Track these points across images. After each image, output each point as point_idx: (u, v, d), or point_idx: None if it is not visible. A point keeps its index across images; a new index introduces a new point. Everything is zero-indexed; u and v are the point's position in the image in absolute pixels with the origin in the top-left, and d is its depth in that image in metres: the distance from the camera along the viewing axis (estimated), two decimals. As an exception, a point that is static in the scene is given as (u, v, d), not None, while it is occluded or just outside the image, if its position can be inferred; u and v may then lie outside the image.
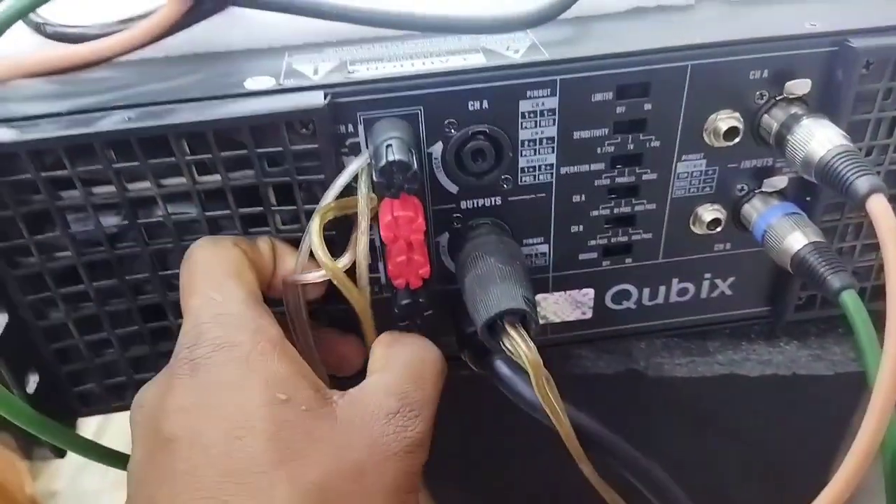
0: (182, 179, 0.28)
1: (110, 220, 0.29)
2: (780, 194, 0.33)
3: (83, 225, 0.28)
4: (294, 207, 0.29)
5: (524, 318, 0.28)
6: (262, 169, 0.28)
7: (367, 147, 0.28)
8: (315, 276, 0.28)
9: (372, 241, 0.31)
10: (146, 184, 0.28)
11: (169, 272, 0.30)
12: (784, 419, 0.42)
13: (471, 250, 0.30)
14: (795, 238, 0.30)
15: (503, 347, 0.28)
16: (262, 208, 0.29)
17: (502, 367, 0.30)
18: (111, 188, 0.27)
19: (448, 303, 0.33)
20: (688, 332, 0.38)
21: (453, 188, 0.30)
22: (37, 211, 0.28)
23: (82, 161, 0.27)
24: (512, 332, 0.27)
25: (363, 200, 0.27)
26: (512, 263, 0.29)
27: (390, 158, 0.25)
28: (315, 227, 0.27)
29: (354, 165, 0.27)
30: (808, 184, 0.33)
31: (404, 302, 0.29)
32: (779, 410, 0.42)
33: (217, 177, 0.28)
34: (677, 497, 0.31)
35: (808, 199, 0.33)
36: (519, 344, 0.27)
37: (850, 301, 0.28)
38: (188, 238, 0.29)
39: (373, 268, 0.32)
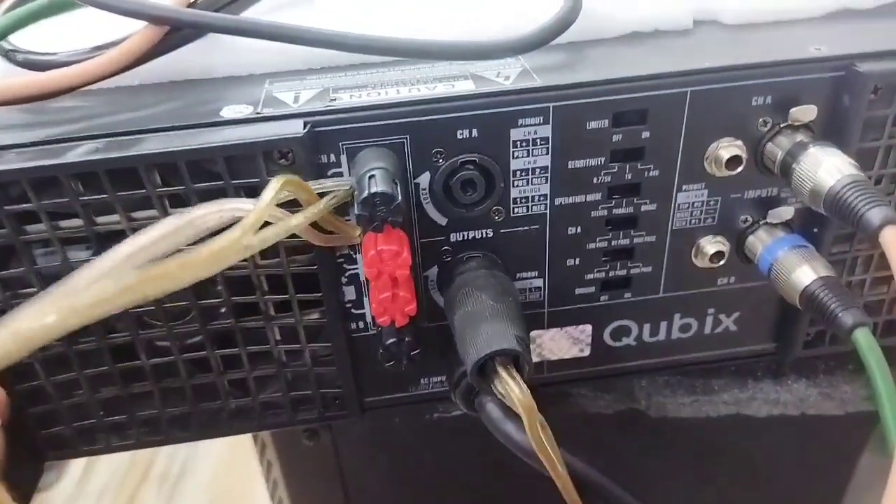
0: (154, 212, 0.26)
1: (79, 255, 0.27)
2: (786, 226, 0.31)
3: (50, 260, 0.27)
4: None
5: (517, 360, 0.26)
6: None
7: (350, 177, 0.26)
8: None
9: (356, 277, 0.30)
10: (116, 217, 0.26)
11: (140, 309, 0.28)
12: (792, 458, 0.40)
13: (460, 285, 0.28)
14: (804, 272, 0.29)
15: (494, 391, 0.26)
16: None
17: (493, 410, 0.28)
18: (79, 221, 0.26)
19: (438, 340, 0.32)
20: (691, 369, 0.36)
21: (442, 220, 0.29)
22: (1, 245, 0.26)
23: (49, 194, 0.25)
24: (504, 375, 0.26)
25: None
26: (504, 300, 0.27)
27: (373, 190, 0.24)
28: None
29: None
30: (816, 214, 0.31)
31: (389, 341, 0.28)
32: (787, 449, 0.40)
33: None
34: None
35: (815, 230, 0.31)
36: (511, 387, 0.25)
37: (864, 340, 0.26)
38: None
39: (357, 304, 0.30)
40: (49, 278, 0.27)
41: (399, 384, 0.33)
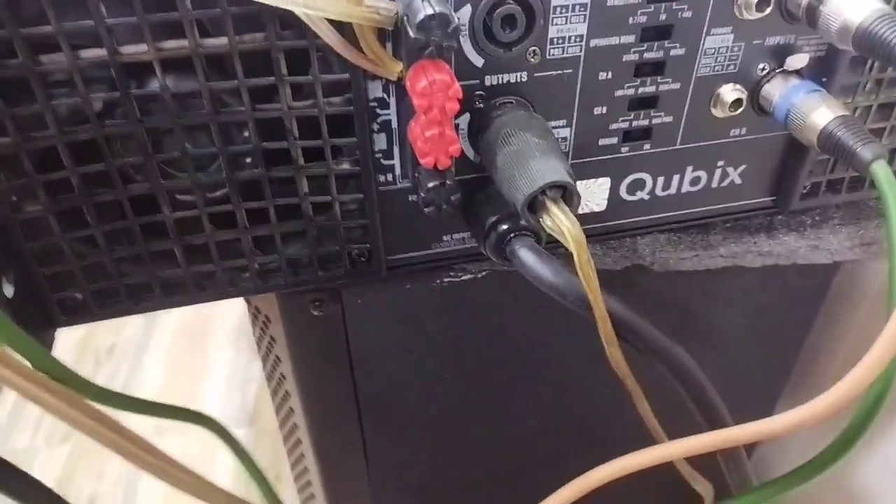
0: (183, 42, 0.24)
1: (98, 95, 0.25)
2: (798, 74, 0.32)
3: (66, 98, 0.25)
4: (310, 78, 0.26)
5: (565, 193, 0.26)
6: (276, 31, 0.25)
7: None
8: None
9: (388, 124, 0.29)
10: (142, 47, 0.24)
11: (164, 156, 0.27)
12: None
13: (500, 127, 0.28)
14: (822, 113, 0.30)
15: (544, 224, 0.26)
16: (273, 78, 0.26)
17: (528, 255, 0.29)
18: (101, 51, 0.24)
19: (463, 193, 0.31)
20: (695, 224, 0.37)
21: (479, 61, 0.28)
22: (11, 78, 0.24)
23: (69, 15, 0.23)
24: (553, 208, 0.26)
25: None
26: (548, 138, 0.27)
27: (429, 11, 0.23)
28: None
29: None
30: (826, 64, 0.32)
31: (431, 184, 0.27)
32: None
33: (224, 39, 0.25)
34: (703, 387, 0.31)
35: (823, 79, 0.32)
36: (562, 220, 0.26)
37: (882, 172, 0.27)
38: (187, 116, 0.26)
39: (387, 155, 0.30)
40: (65, 119, 0.25)
41: (421, 241, 0.33)
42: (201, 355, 1.07)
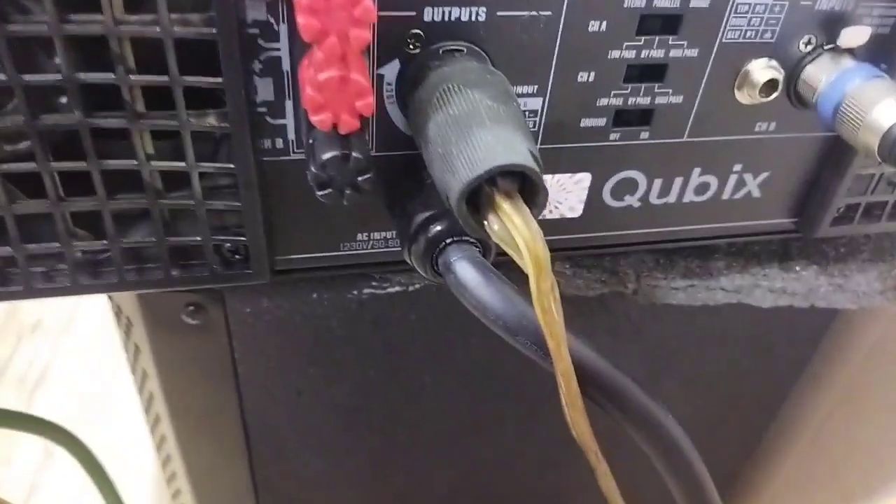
0: None
1: None
2: (851, 55, 0.24)
3: None
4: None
5: (525, 185, 0.17)
6: None
7: None
8: None
9: (277, 64, 0.20)
10: None
11: (-83, 79, 0.17)
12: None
13: (438, 82, 0.19)
14: (889, 108, 0.22)
15: (489, 230, 0.17)
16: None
17: (467, 271, 0.20)
18: None
19: (387, 176, 0.23)
20: (693, 245, 0.29)
21: (415, -18, 0.19)
22: None
23: None
24: (505, 207, 0.17)
25: None
26: (508, 102, 0.18)
27: None
28: None
29: None
30: (888, 45, 0.24)
31: (327, 155, 0.18)
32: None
33: None
34: (692, 466, 0.22)
35: (883, 65, 0.24)
36: (517, 226, 0.17)
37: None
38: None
39: (276, 111, 0.21)
40: None
41: (326, 239, 0.24)
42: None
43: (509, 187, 0.17)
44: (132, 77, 0.18)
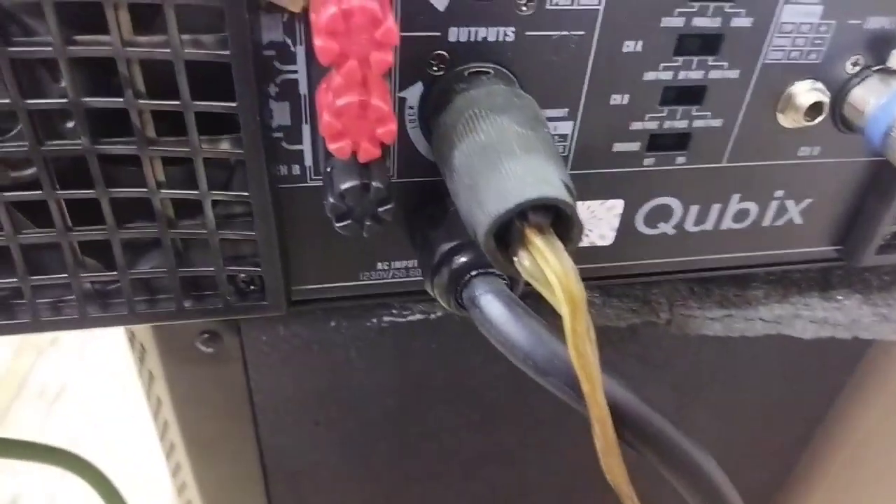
0: None
1: None
2: (901, 77, 0.22)
3: None
4: (156, -5, 0.16)
5: (558, 219, 0.16)
6: None
7: None
8: None
9: (294, 87, 0.19)
10: None
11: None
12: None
13: (465, 107, 0.18)
14: (946, 134, 0.20)
15: (519, 267, 0.16)
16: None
17: (494, 306, 0.19)
18: None
19: (408, 203, 0.22)
20: (730, 274, 0.27)
21: (440, 2, 0.18)
22: None
23: None
24: (538, 242, 0.16)
25: None
26: (538, 128, 0.17)
27: None
28: None
29: None
30: (943, 65, 0.22)
31: (346, 185, 0.17)
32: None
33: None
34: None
35: (937, 88, 0.22)
36: (549, 261, 0.16)
37: None
38: None
39: (292, 136, 0.20)
40: None
41: (345, 269, 0.23)
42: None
43: (541, 221, 0.16)
44: (141, 101, 0.17)
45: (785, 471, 0.45)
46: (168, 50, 0.17)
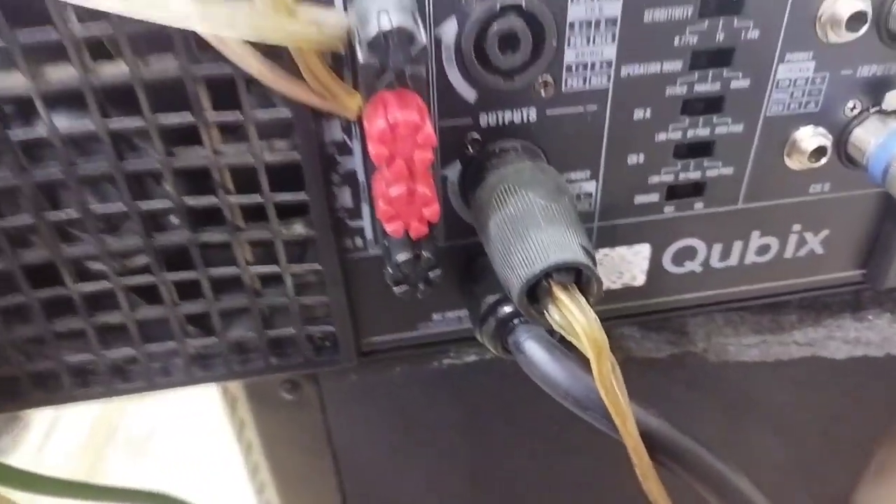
0: (70, 69, 0.18)
1: (-35, 136, 0.19)
2: (900, 116, 0.24)
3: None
4: (239, 116, 0.20)
5: (580, 278, 0.19)
6: (188, 54, 0.18)
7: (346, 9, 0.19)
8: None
9: (353, 176, 0.22)
10: (16, 77, 0.18)
11: (64, 216, 0.21)
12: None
13: (495, 183, 0.21)
14: (940, 169, 0.22)
15: (550, 320, 0.19)
16: (191, 115, 0.19)
17: (536, 350, 0.22)
18: (-42, 81, 0.18)
19: (456, 264, 0.25)
20: (760, 303, 0.29)
21: (470, 93, 0.21)
22: None
23: None
24: (563, 298, 0.19)
25: None
26: (559, 199, 0.20)
27: (384, 26, 0.16)
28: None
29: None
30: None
31: (402, 257, 0.20)
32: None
33: (122, 66, 0.18)
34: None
35: (935, 124, 0.24)
36: (575, 315, 0.18)
37: None
38: (83, 163, 0.20)
39: (354, 214, 0.23)
40: None
41: (405, 321, 0.26)
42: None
43: (565, 280, 0.19)
44: (232, 198, 0.21)
45: (846, 489, 0.45)
46: (251, 157, 0.20)
